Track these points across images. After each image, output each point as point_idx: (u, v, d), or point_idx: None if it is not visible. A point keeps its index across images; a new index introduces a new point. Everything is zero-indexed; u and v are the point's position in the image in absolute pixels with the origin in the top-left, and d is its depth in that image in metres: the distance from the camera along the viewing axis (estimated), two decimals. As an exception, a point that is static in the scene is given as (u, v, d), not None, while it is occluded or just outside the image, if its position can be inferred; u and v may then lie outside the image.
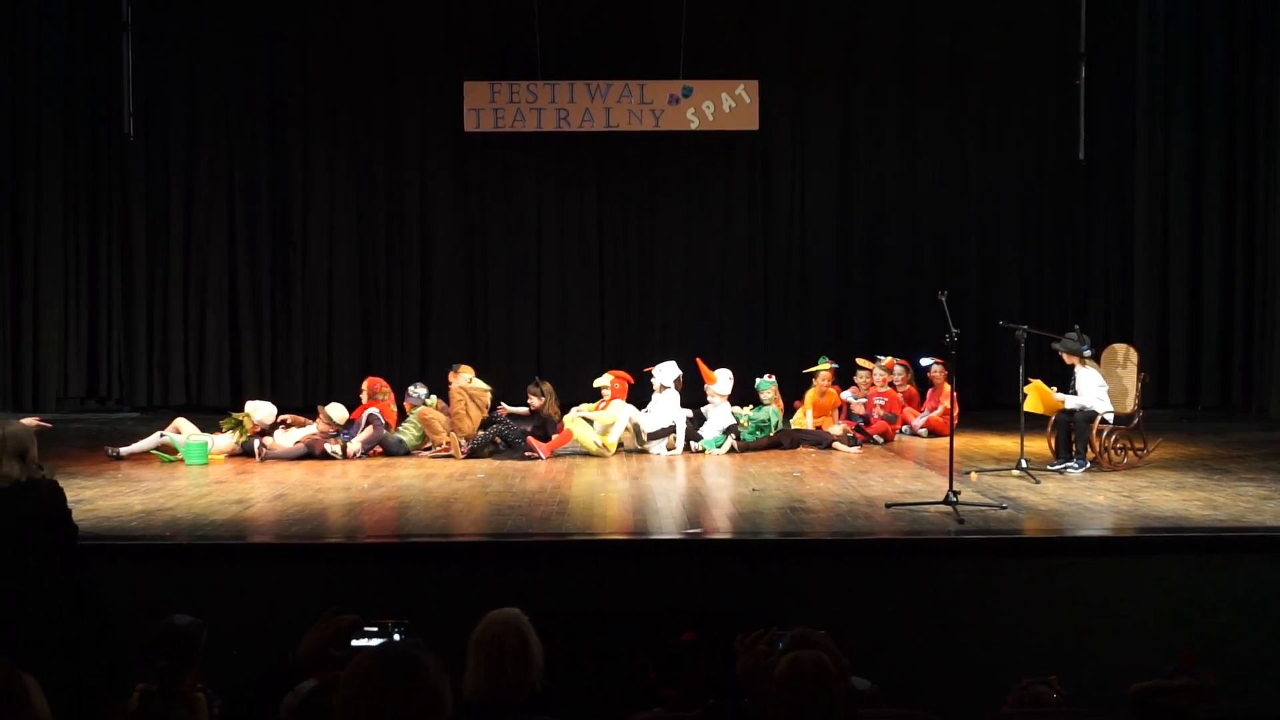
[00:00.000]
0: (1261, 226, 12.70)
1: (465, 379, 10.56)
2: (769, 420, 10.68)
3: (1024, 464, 8.82)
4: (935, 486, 8.14)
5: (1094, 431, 9.14)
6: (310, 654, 3.13)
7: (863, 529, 6.94)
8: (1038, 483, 8.44)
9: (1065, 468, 9.01)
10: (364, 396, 10.52)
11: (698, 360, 11.03)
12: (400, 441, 10.23)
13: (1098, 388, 9.16)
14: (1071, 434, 9.15)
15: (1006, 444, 10.41)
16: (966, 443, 10.59)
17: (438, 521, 7.27)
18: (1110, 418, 9.22)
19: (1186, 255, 13.15)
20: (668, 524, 7.19)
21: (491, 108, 13.43)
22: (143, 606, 5.94)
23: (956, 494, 7.26)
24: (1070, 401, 9.16)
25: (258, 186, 14.08)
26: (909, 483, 8.60)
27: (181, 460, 9.67)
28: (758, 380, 10.94)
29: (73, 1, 13.41)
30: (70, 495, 7.89)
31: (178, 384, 13.61)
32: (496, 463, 9.75)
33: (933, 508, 7.35)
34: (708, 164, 14.24)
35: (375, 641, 3.13)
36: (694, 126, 13.57)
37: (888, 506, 7.47)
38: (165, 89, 13.84)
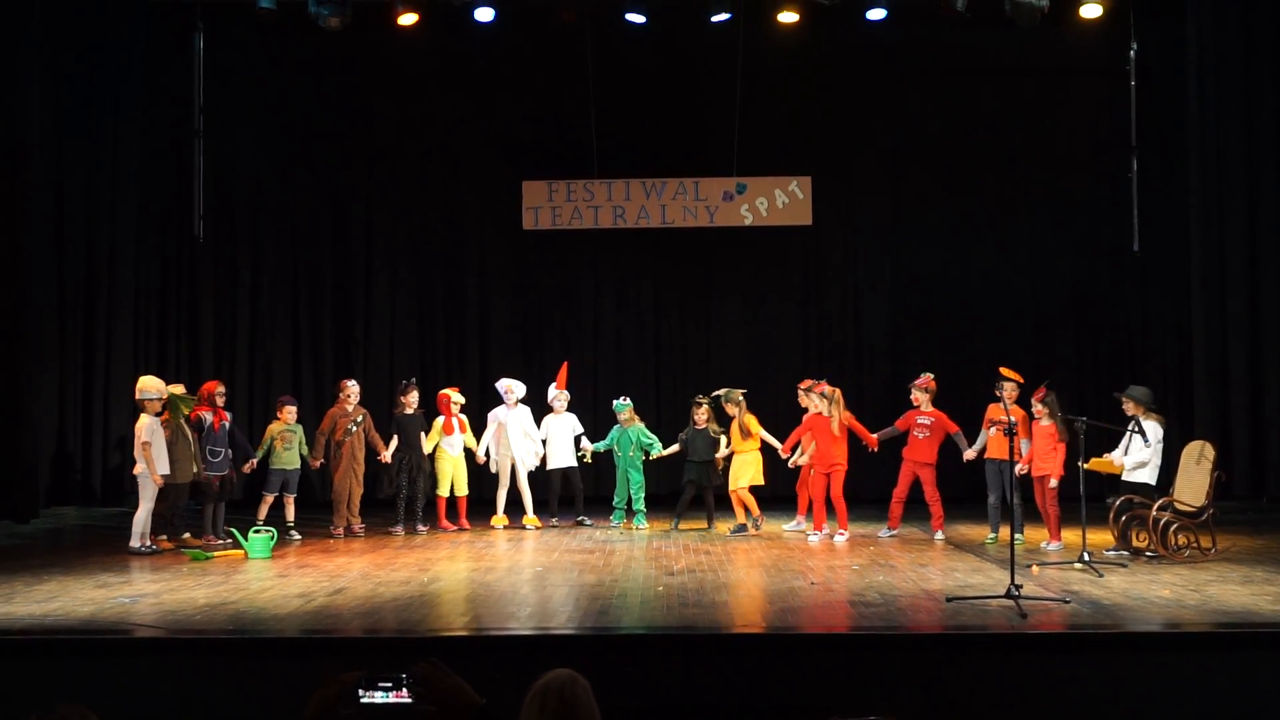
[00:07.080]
0: (1322, 315, 12.59)
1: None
2: (651, 444, 12.05)
3: (1086, 556, 8.73)
4: (996, 580, 8.07)
5: (1151, 521, 9.20)
6: (318, 715, 3.13)
7: (924, 623, 6.89)
8: (1100, 575, 8.34)
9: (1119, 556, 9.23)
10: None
11: (564, 365, 12.52)
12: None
13: (1155, 444, 9.50)
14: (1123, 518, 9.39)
15: (1068, 537, 10.29)
16: (1028, 535, 10.50)
17: (499, 614, 7.32)
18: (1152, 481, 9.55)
19: (1246, 344, 13.00)
20: (728, 619, 7.18)
21: (549, 206, 13.71)
22: (197, 704, 6.05)
23: (1019, 587, 7.19)
24: (1123, 460, 9.59)
25: (321, 286, 14.48)
26: (969, 576, 8.52)
27: (243, 555, 9.83)
28: (614, 401, 12.24)
29: (149, 111, 13.99)
30: (134, 589, 8.08)
31: (244, 477, 13.76)
32: (555, 555, 9.79)
33: (994, 601, 7.28)
34: (762, 259, 14.42)
35: (384, 696, 3.13)
36: (748, 222, 13.75)
37: (948, 600, 7.41)
38: (234, 193, 14.36)
